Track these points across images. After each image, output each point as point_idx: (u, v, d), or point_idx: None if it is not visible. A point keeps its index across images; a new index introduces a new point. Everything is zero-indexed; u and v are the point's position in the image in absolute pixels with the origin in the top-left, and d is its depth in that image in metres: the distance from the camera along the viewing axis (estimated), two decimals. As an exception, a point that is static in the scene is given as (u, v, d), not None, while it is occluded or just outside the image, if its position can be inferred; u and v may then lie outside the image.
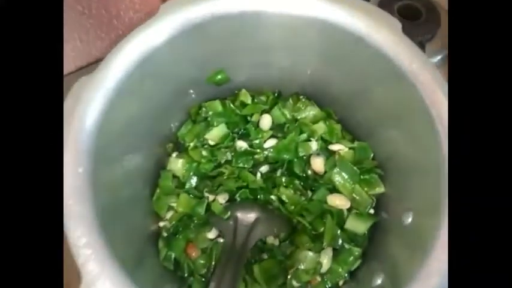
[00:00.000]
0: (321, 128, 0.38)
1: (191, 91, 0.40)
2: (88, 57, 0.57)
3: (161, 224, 0.38)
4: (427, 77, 0.28)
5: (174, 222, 0.37)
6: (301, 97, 0.40)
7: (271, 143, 0.39)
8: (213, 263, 0.35)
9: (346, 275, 0.34)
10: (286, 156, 0.38)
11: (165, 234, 0.37)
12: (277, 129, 0.40)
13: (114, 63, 0.30)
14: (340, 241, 0.34)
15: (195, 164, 0.38)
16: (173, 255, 0.35)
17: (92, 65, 0.57)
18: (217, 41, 0.35)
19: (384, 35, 0.30)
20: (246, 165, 0.38)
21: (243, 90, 0.40)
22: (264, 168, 0.39)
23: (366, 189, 0.35)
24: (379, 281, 0.29)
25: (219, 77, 0.38)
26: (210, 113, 0.39)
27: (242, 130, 0.40)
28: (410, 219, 0.29)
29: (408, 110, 0.30)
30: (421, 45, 0.49)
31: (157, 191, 0.38)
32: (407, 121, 0.32)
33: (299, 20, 0.32)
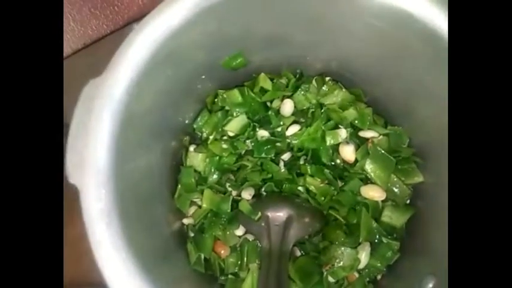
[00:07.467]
0: (351, 114, 0.34)
1: (203, 77, 0.36)
2: (84, 39, 0.52)
3: (185, 221, 0.36)
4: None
5: (199, 220, 0.35)
6: (326, 79, 0.37)
7: (293, 129, 0.36)
8: (245, 261, 0.34)
9: (384, 269, 0.33)
10: (311, 146, 0.35)
11: (191, 234, 0.35)
12: (300, 114, 0.37)
13: (125, 60, 0.27)
14: (377, 235, 0.32)
15: (216, 158, 0.36)
16: (203, 257, 0.34)
17: (90, 47, 0.53)
18: (235, 20, 0.30)
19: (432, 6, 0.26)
20: (268, 155, 0.36)
21: (262, 75, 0.36)
22: (287, 156, 0.37)
23: (402, 179, 0.33)
24: (430, 285, 0.27)
25: (238, 61, 0.34)
26: (229, 102, 0.36)
27: (262, 117, 0.37)
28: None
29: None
30: None
31: (179, 187, 0.36)
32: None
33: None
